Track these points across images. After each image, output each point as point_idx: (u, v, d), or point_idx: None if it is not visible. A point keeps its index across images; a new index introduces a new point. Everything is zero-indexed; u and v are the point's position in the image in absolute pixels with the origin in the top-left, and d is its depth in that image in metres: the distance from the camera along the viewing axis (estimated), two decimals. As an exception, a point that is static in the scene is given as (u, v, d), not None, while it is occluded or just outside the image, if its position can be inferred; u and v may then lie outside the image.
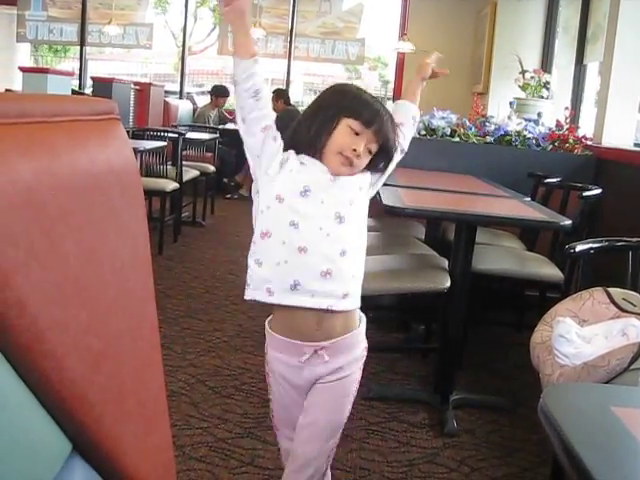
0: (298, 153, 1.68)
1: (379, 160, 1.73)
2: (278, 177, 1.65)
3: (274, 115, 1.73)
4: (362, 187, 1.73)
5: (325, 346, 1.65)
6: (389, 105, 1.88)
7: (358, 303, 1.70)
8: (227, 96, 9.33)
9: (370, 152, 1.67)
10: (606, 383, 1.74)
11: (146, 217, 0.96)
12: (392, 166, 1.80)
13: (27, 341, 0.63)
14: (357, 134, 1.63)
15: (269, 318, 1.73)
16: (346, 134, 1.64)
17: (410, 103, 1.96)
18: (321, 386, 1.70)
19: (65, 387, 0.69)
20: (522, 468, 2.52)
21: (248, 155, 1.72)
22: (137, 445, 0.87)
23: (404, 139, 1.84)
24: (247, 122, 1.69)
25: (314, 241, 1.60)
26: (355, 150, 1.63)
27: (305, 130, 1.70)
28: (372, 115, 1.65)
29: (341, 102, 1.69)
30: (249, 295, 1.69)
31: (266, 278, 1.63)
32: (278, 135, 1.70)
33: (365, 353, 1.76)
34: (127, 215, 0.87)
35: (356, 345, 1.72)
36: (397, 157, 1.80)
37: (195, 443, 2.50)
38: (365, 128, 1.63)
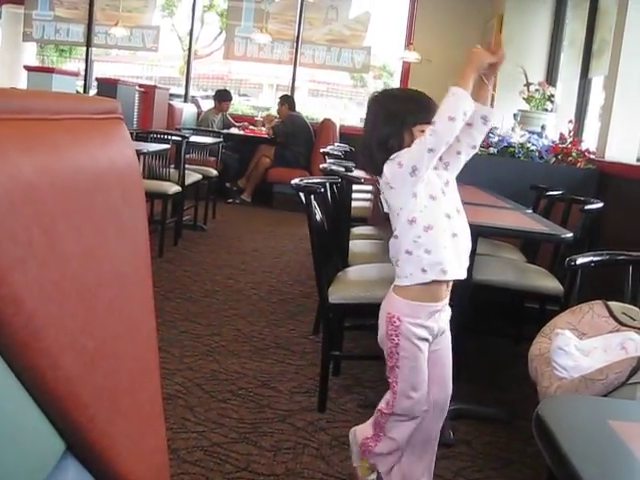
0: None
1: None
2: (426, 184, 1.99)
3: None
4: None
5: (445, 303, 2.10)
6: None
7: None
8: (230, 100, 9.34)
9: None
10: (604, 396, 1.73)
11: (147, 218, 0.96)
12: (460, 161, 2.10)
13: (23, 338, 0.62)
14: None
15: (404, 299, 2.05)
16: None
17: (477, 104, 2.03)
18: (443, 337, 2.13)
19: (60, 386, 0.69)
20: (517, 480, 2.51)
21: (417, 174, 1.95)
22: (131, 447, 0.86)
23: (472, 138, 2.06)
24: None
25: (457, 227, 2.02)
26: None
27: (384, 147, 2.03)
28: (430, 108, 1.99)
29: (405, 115, 2.02)
30: (428, 277, 2.00)
31: (438, 261, 1.98)
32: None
33: None
34: (128, 215, 0.87)
35: None
36: (466, 151, 2.07)
37: (190, 447, 2.49)
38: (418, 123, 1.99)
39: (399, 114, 2.01)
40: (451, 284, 2.09)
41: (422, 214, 1.98)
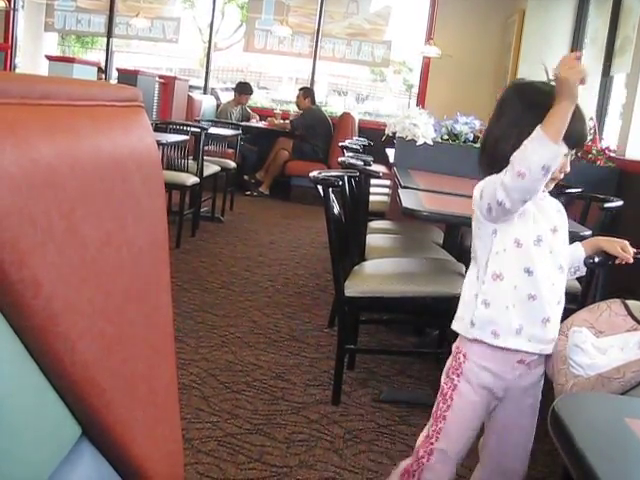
0: None
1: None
2: (518, 221, 1.65)
3: None
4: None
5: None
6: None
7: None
8: (251, 93, 9.34)
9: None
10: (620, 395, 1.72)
11: (165, 206, 0.96)
12: None
13: (41, 322, 0.63)
14: (565, 155, 1.63)
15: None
16: None
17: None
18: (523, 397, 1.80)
19: (77, 370, 0.69)
20: (531, 477, 2.49)
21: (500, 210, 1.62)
22: (146, 433, 0.87)
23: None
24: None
25: (543, 289, 1.66)
26: (565, 172, 1.71)
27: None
28: (580, 136, 1.67)
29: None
30: (473, 334, 1.70)
31: (492, 320, 1.67)
32: None
33: None
34: (147, 202, 0.87)
35: None
36: None
37: (204, 437, 2.50)
38: (571, 149, 1.66)
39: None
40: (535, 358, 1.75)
41: (497, 257, 1.66)
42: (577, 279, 3.21)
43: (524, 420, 1.82)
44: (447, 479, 1.79)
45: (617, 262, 1.90)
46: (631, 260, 1.89)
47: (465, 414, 1.75)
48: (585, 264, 1.96)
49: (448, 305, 3.28)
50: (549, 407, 1.04)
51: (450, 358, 1.79)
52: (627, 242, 1.94)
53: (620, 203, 3.50)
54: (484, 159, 1.77)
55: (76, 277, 0.67)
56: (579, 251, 1.91)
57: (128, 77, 7.57)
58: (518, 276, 1.65)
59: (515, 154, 1.54)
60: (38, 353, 0.65)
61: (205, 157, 6.09)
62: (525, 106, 1.65)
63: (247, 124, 8.86)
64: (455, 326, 1.76)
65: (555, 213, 1.77)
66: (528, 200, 1.58)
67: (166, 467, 0.94)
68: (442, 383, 1.79)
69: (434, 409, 1.79)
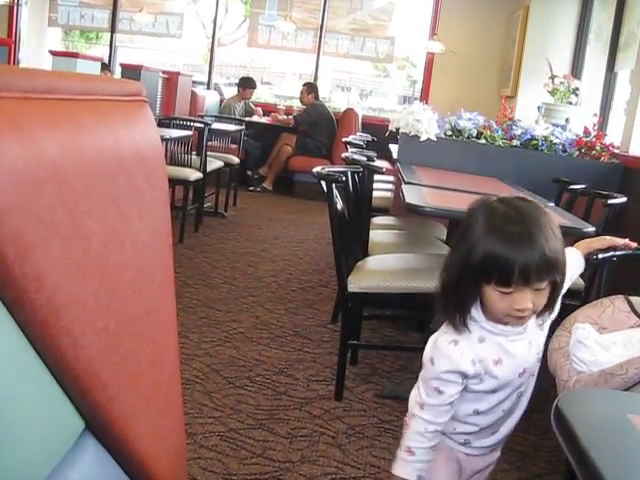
0: None
1: (557, 288, 1.46)
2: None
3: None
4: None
5: None
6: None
7: None
8: (254, 88, 9.33)
9: (541, 288, 1.42)
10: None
11: (169, 201, 0.96)
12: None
13: (45, 316, 0.63)
14: (508, 293, 1.40)
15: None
16: (497, 299, 1.42)
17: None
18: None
19: (80, 365, 0.69)
20: (533, 474, 2.50)
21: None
22: (149, 427, 0.87)
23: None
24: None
25: (492, 420, 1.59)
26: (519, 310, 1.42)
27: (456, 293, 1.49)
28: (507, 263, 1.37)
29: (469, 262, 1.42)
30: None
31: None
32: (461, 381, 1.51)
33: None
34: (150, 197, 0.87)
35: None
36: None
37: (207, 432, 2.50)
38: (511, 285, 1.39)
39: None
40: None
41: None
42: (580, 275, 3.22)
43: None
44: None
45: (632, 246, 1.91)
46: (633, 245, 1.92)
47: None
48: (589, 262, 1.95)
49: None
50: (552, 403, 1.04)
51: None
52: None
53: (624, 199, 3.50)
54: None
55: (80, 272, 0.67)
56: (577, 259, 1.85)
57: (131, 72, 7.56)
58: (467, 413, 1.57)
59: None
60: (41, 347, 0.65)
61: (208, 152, 6.09)
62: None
63: (250, 119, 8.85)
64: None
65: (531, 345, 1.57)
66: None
67: (169, 462, 0.94)
68: None
69: None
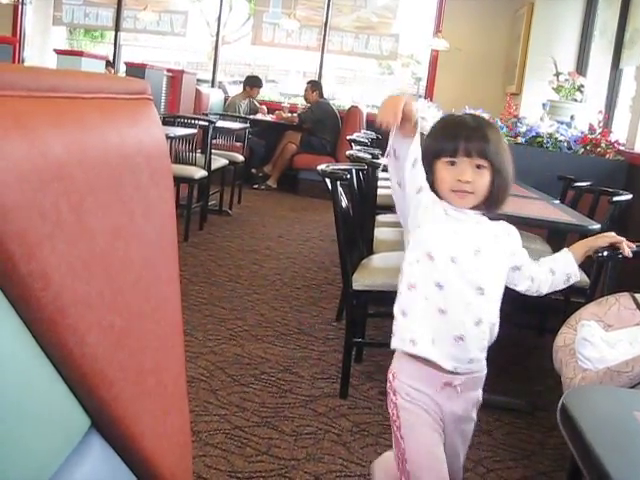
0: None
1: (497, 179, 1.66)
2: (430, 234, 1.68)
3: (424, 176, 1.66)
4: (504, 259, 1.73)
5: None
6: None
7: (483, 367, 1.76)
8: (260, 87, 9.33)
9: (482, 166, 1.64)
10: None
11: (174, 199, 0.96)
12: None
13: (50, 314, 0.63)
14: (454, 164, 1.64)
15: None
16: (445, 171, 1.64)
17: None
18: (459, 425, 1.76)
19: (86, 363, 0.69)
20: (538, 472, 2.50)
21: (401, 215, 1.74)
22: (155, 425, 0.87)
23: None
24: (404, 187, 1.66)
25: (454, 306, 1.64)
26: (460, 180, 1.63)
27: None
28: (454, 133, 1.64)
29: (426, 148, 1.66)
30: (394, 344, 1.70)
31: (410, 328, 1.66)
32: (428, 191, 1.67)
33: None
34: (155, 195, 0.87)
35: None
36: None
37: (212, 430, 2.51)
38: (457, 155, 1.63)
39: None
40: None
41: (411, 268, 1.70)
42: (585, 272, 3.22)
43: (458, 448, 1.78)
44: None
45: (626, 254, 1.89)
46: (628, 252, 1.90)
47: (417, 428, 1.68)
48: (595, 259, 1.96)
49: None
50: (557, 401, 1.04)
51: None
52: (613, 233, 1.96)
53: (629, 197, 3.49)
54: None
55: (85, 270, 0.68)
56: (567, 258, 1.86)
57: (136, 71, 7.56)
58: (429, 288, 1.64)
59: None
60: (47, 345, 0.65)
61: (213, 150, 6.09)
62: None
63: (255, 117, 8.85)
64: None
65: (486, 235, 1.71)
66: (400, 183, 1.65)
67: (175, 459, 0.94)
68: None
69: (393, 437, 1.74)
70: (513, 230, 1.78)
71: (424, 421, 1.67)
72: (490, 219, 1.73)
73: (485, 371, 1.76)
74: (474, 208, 1.68)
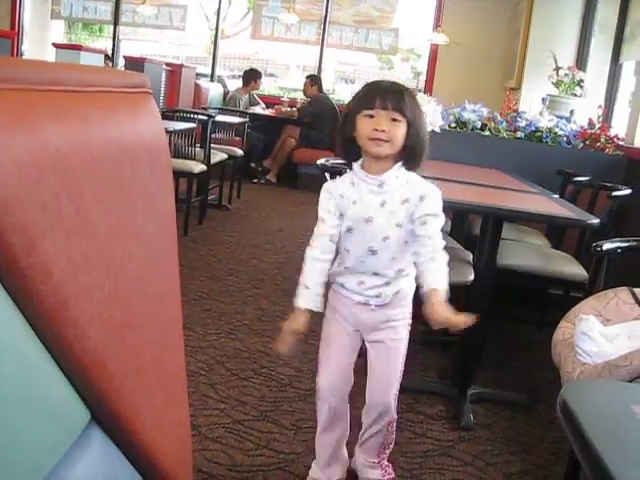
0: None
1: (412, 132, 1.85)
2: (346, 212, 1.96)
3: (335, 234, 2.00)
4: (403, 222, 1.91)
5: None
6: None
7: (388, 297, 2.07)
8: (259, 78, 9.30)
9: (397, 119, 1.83)
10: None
11: (173, 192, 0.96)
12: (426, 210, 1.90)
13: (51, 307, 0.63)
14: (372, 116, 1.83)
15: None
16: (364, 122, 1.85)
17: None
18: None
19: (87, 356, 0.69)
20: (537, 465, 2.50)
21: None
22: (155, 418, 0.87)
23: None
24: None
25: (353, 264, 2.02)
26: (377, 129, 1.82)
27: (344, 139, 1.95)
28: (373, 93, 1.86)
29: (351, 108, 1.91)
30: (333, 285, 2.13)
31: (335, 273, 2.11)
32: (337, 222, 1.99)
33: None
34: (155, 189, 0.87)
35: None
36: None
37: (212, 424, 2.51)
38: (374, 108, 1.83)
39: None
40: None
41: (342, 236, 2.01)
42: (585, 267, 3.22)
43: (384, 360, 2.16)
44: (325, 416, 2.16)
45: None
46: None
47: (330, 341, 2.15)
48: (594, 253, 2.16)
49: (455, 293, 3.29)
50: (556, 395, 1.04)
51: None
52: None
53: (628, 191, 3.49)
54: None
55: (85, 263, 0.68)
56: (427, 283, 1.91)
57: (135, 65, 7.56)
58: (342, 251, 2.01)
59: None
60: (48, 338, 0.65)
61: (212, 145, 6.08)
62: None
63: (254, 112, 8.84)
64: None
65: (388, 200, 1.91)
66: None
67: (174, 453, 0.95)
68: None
69: None
70: (430, 193, 1.91)
71: (334, 336, 2.15)
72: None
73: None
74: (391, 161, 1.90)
